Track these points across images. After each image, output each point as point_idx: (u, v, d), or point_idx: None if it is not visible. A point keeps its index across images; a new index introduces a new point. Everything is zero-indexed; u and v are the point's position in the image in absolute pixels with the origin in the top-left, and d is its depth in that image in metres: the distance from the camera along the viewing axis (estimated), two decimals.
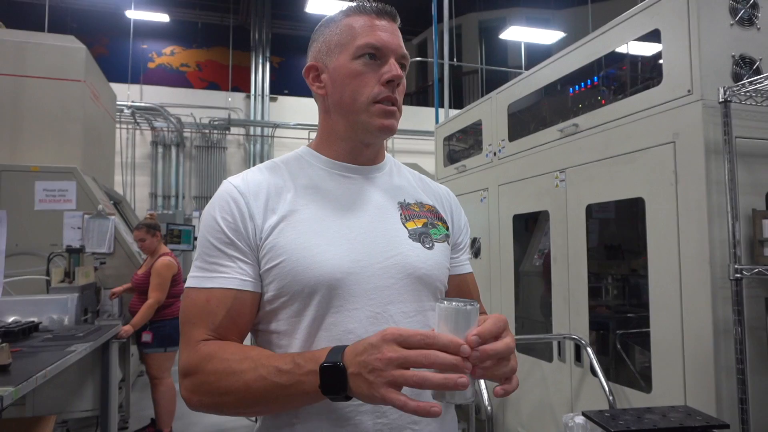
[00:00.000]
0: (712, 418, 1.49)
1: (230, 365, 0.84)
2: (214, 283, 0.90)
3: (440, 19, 5.89)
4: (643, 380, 2.23)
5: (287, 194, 0.96)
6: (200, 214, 1.01)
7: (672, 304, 1.93)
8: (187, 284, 0.93)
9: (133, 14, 9.37)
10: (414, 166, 1.32)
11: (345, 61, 0.96)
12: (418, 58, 10.47)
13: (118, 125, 7.91)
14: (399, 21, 1.01)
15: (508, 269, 3.13)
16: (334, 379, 0.75)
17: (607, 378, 2.19)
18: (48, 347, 2.75)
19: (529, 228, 3.25)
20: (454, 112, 4.36)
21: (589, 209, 2.42)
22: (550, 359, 2.68)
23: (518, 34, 9.03)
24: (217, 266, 0.91)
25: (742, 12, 1.95)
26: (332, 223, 0.94)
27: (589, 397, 2.39)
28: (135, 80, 9.82)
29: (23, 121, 4.68)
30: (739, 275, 1.71)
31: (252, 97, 10.34)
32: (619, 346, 2.57)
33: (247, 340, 0.96)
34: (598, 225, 2.62)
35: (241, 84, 10.63)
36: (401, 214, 1.01)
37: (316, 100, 1.05)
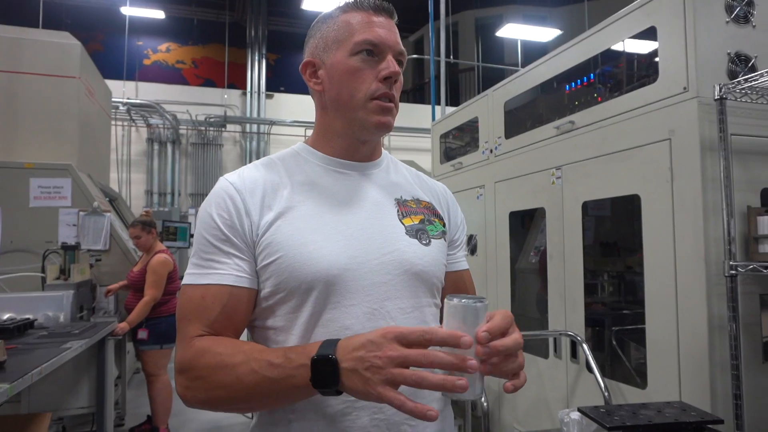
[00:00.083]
0: (706, 414, 1.50)
1: (222, 359, 0.83)
2: (209, 280, 0.90)
3: (437, 17, 5.89)
4: (638, 376, 2.24)
5: (284, 191, 0.96)
6: (196, 212, 1.01)
7: (667, 301, 1.94)
8: (184, 281, 0.93)
9: (129, 11, 9.32)
10: (410, 164, 1.32)
11: (342, 58, 0.96)
12: (415, 56, 10.47)
13: (113, 122, 7.88)
14: (396, 17, 1.01)
15: (505, 266, 3.14)
16: (326, 372, 0.74)
17: (603, 374, 2.20)
18: (43, 344, 2.75)
19: (525, 225, 3.25)
20: (450, 109, 4.37)
21: (585, 206, 2.43)
22: (546, 356, 2.68)
23: (515, 31, 9.04)
24: (213, 263, 0.91)
25: (737, 9, 1.95)
26: (329, 220, 0.94)
27: (584, 393, 2.40)
28: (130, 77, 9.78)
29: (18, 118, 4.65)
30: (734, 272, 1.72)
31: (248, 94, 10.32)
32: (614, 343, 2.58)
33: (244, 337, 0.96)
34: (594, 222, 2.63)
35: (237, 81, 10.60)
36: (398, 211, 1.01)
37: (312, 97, 1.05)
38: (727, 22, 1.94)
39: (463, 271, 1.12)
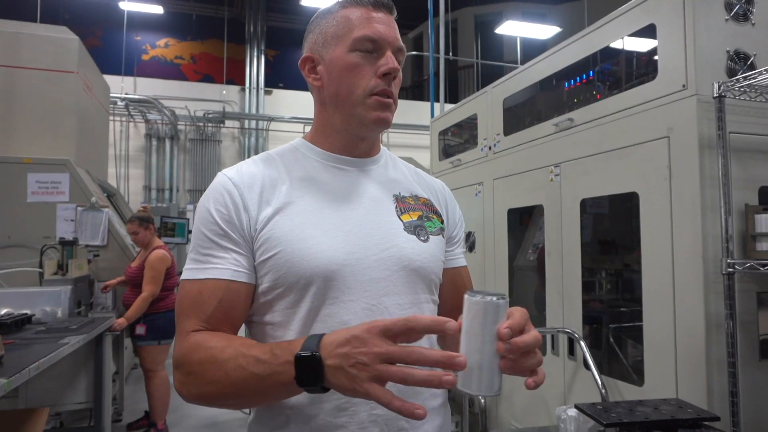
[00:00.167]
0: (703, 411, 1.51)
1: (213, 354, 0.83)
2: (207, 274, 0.90)
3: (436, 13, 5.89)
4: (635, 374, 2.25)
5: (282, 186, 0.96)
6: (194, 208, 1.00)
7: (665, 299, 1.95)
8: (182, 276, 0.93)
9: (127, 6, 9.30)
10: (409, 161, 1.31)
11: (341, 53, 0.96)
12: (414, 52, 10.45)
13: (111, 117, 7.86)
14: (396, 13, 1.01)
15: (503, 263, 3.14)
16: (310, 370, 0.72)
17: (600, 371, 2.20)
18: (41, 339, 2.75)
19: (523, 222, 3.26)
20: (449, 106, 4.36)
21: (584, 204, 2.43)
22: (543, 353, 2.69)
23: (514, 28, 9.04)
24: (211, 258, 0.91)
25: (737, 7, 1.95)
26: (328, 215, 0.94)
27: (582, 390, 2.40)
28: (129, 72, 9.76)
29: (16, 113, 4.64)
30: (731, 270, 1.72)
31: (247, 90, 10.30)
32: (612, 340, 2.59)
33: (242, 333, 0.96)
34: (593, 220, 2.63)
35: (236, 77, 10.58)
36: (396, 207, 1.01)
37: (311, 92, 1.05)
38: (727, 20, 1.94)
39: (461, 268, 1.13)
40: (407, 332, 0.70)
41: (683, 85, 1.90)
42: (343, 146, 1.02)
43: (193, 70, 10.70)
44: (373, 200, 1.00)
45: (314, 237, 0.91)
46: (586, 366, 2.26)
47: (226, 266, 0.90)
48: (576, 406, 1.52)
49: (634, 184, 2.11)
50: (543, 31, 9.10)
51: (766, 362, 1.86)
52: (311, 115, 1.08)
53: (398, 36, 0.99)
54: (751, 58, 1.95)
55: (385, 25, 0.97)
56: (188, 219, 6.59)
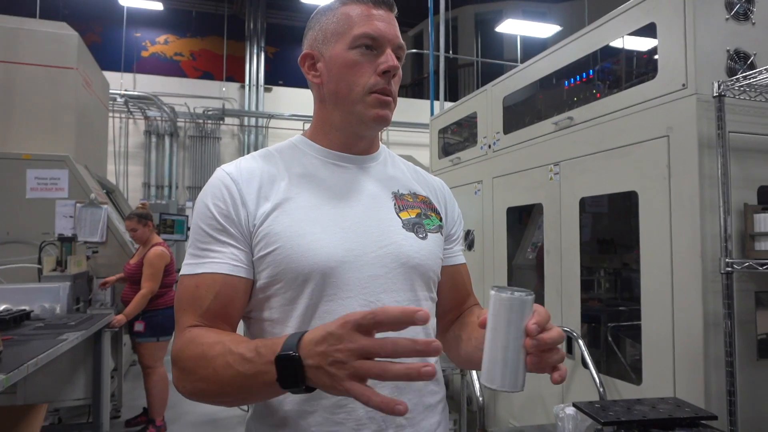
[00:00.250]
0: (700, 410, 1.51)
1: (203, 350, 0.81)
2: (204, 269, 0.90)
3: (436, 11, 5.88)
4: (633, 372, 2.25)
5: (281, 182, 0.96)
6: (194, 205, 0.99)
7: (663, 298, 1.95)
8: (181, 272, 0.93)
9: (127, 2, 9.26)
10: (409, 158, 1.30)
11: (341, 51, 0.96)
12: (414, 50, 10.43)
13: (111, 114, 7.85)
14: (396, 10, 1.01)
15: (502, 262, 3.14)
16: (290, 371, 0.70)
17: (598, 370, 2.21)
18: (39, 335, 2.75)
19: (522, 221, 3.26)
20: (449, 104, 4.36)
21: (583, 203, 2.43)
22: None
23: (514, 27, 9.02)
24: (209, 252, 0.91)
25: (737, 6, 1.95)
26: (327, 212, 0.94)
27: (580, 388, 2.41)
28: (128, 69, 9.74)
29: (15, 109, 4.63)
30: (729, 269, 1.72)
31: (246, 88, 10.28)
32: (610, 339, 2.59)
33: (240, 329, 0.96)
34: (592, 219, 2.64)
35: (236, 74, 10.56)
36: (395, 204, 1.01)
37: (311, 89, 1.04)
38: (727, 19, 1.94)
39: (460, 265, 1.13)
40: (376, 326, 0.66)
41: (683, 84, 1.90)
42: (342, 143, 1.02)
43: (193, 66, 10.68)
44: (371, 197, 1.00)
45: (313, 234, 0.91)
46: (585, 365, 2.27)
47: (224, 260, 0.90)
48: (574, 405, 1.52)
49: (634, 183, 2.11)
50: (543, 29, 9.09)
51: (764, 361, 1.86)
52: (311, 113, 1.08)
53: (398, 33, 0.99)
54: (751, 58, 1.95)
55: (385, 22, 0.97)
56: (187, 216, 6.58)
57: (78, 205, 4.44)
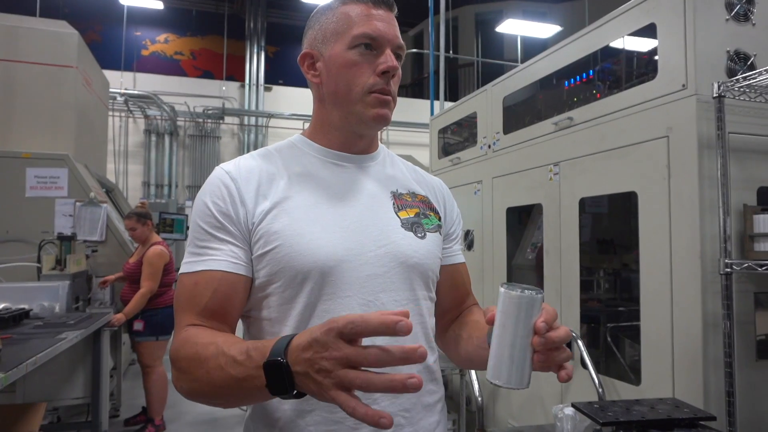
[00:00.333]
0: (699, 411, 1.51)
1: (197, 351, 0.80)
2: (203, 266, 0.89)
3: (437, 11, 5.88)
4: (632, 373, 2.25)
5: (280, 181, 0.96)
6: (193, 204, 0.99)
7: (662, 298, 1.95)
8: (180, 271, 0.93)
9: (127, 1, 9.25)
10: (408, 158, 1.30)
11: (340, 50, 0.96)
12: (414, 50, 10.43)
13: (110, 113, 7.85)
14: (396, 10, 1.01)
15: (501, 262, 3.14)
16: (279, 377, 0.68)
17: (598, 371, 2.21)
18: (38, 334, 2.74)
19: (522, 221, 3.26)
20: (449, 104, 4.36)
21: (583, 203, 2.43)
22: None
23: (515, 27, 9.02)
24: (208, 250, 0.90)
25: (737, 7, 1.95)
26: (326, 211, 0.94)
27: (579, 389, 2.41)
28: (128, 68, 9.73)
29: (14, 107, 4.63)
30: (729, 270, 1.72)
31: (246, 87, 10.27)
32: (609, 340, 2.59)
33: (239, 329, 0.96)
34: (591, 219, 2.64)
35: (236, 73, 10.55)
36: (394, 204, 1.01)
37: (310, 88, 1.04)
38: (727, 19, 1.94)
39: (460, 264, 1.13)
40: (356, 336, 0.63)
41: (683, 85, 1.90)
42: (341, 143, 1.02)
43: (193, 65, 10.67)
44: (370, 197, 1.00)
45: (312, 233, 0.91)
46: (584, 365, 2.27)
47: (223, 258, 0.89)
48: (573, 405, 1.52)
49: (633, 184, 2.11)
50: (543, 29, 9.08)
51: (763, 362, 1.86)
52: (311, 112, 1.08)
53: (398, 33, 0.99)
54: (751, 59, 1.95)
55: (384, 22, 0.97)
56: (187, 215, 6.59)
57: (77, 203, 4.43)
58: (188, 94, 9.85)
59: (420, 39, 11.30)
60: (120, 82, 9.33)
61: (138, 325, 3.79)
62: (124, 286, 3.96)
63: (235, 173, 0.95)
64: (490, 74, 8.45)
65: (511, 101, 3.11)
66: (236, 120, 10.23)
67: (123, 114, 9.47)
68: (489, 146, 3.30)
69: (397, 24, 1.00)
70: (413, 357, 0.61)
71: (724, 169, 1.75)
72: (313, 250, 0.89)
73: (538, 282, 2.74)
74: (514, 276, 3.14)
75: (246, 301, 0.94)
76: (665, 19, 2.00)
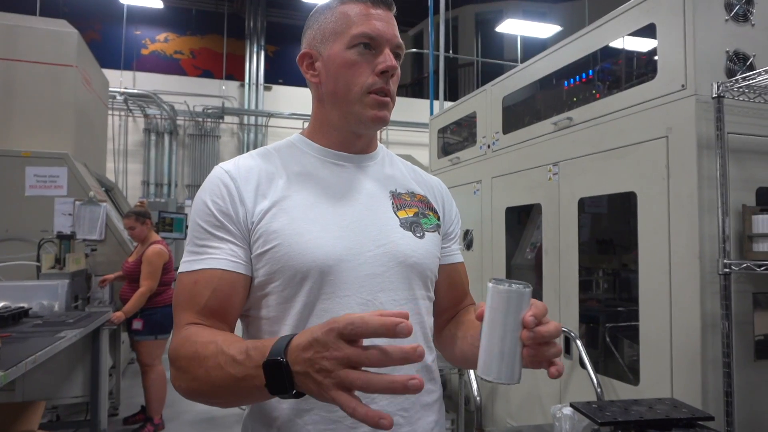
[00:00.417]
0: (697, 411, 1.51)
1: (197, 350, 0.80)
2: (202, 265, 0.89)
3: (437, 11, 5.87)
4: (631, 373, 2.26)
5: (279, 180, 0.96)
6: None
7: (661, 298, 1.95)
8: (179, 270, 0.93)
9: (127, 0, 9.26)
10: (408, 158, 1.31)
11: (339, 50, 0.96)
12: (414, 50, 10.43)
13: (110, 112, 7.85)
14: (395, 9, 1.01)
15: (500, 262, 3.14)
16: (278, 376, 0.68)
17: (596, 370, 2.21)
18: (38, 333, 2.74)
19: (521, 221, 3.26)
20: (449, 104, 4.36)
21: (582, 203, 2.43)
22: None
23: (515, 27, 9.02)
24: (208, 248, 0.90)
25: (737, 8, 1.95)
26: (325, 210, 0.94)
27: (577, 389, 2.41)
28: (128, 67, 9.73)
29: (14, 106, 4.63)
30: (727, 270, 1.73)
31: (246, 86, 10.27)
32: (608, 339, 2.59)
33: (238, 328, 0.96)
34: (591, 219, 2.64)
35: (236, 72, 10.55)
36: (393, 203, 1.01)
37: (309, 88, 1.04)
38: (727, 20, 1.94)
39: (458, 264, 1.13)
40: (356, 337, 0.64)
41: (682, 85, 1.90)
42: (340, 142, 1.02)
43: (193, 65, 10.66)
44: (369, 196, 1.00)
45: (311, 232, 0.91)
46: (582, 365, 2.27)
47: (222, 256, 0.90)
48: (571, 405, 1.52)
49: (632, 184, 2.11)
50: (543, 29, 9.08)
51: (761, 362, 1.86)
52: (310, 112, 1.08)
53: (397, 33, 0.99)
54: (751, 59, 1.95)
55: (383, 22, 0.96)
56: (186, 214, 6.59)
57: (77, 202, 4.43)
58: (188, 93, 9.84)
59: (420, 39, 11.30)
60: (119, 81, 9.32)
61: (137, 324, 3.79)
62: (124, 285, 3.96)
63: (235, 172, 0.95)
64: (490, 74, 8.45)
65: (511, 101, 3.12)
66: (236, 119, 10.22)
67: (122, 113, 9.46)
68: (488, 146, 3.30)
69: (395, 23, 1.00)
70: (412, 357, 0.62)
71: (723, 170, 1.75)
72: (312, 249, 0.89)
73: (537, 282, 2.74)
74: (513, 276, 3.14)
75: (245, 300, 0.94)
76: (665, 20, 2.00)
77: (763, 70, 1.68)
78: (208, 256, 0.90)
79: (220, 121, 10.06)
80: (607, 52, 2.35)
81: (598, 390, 2.15)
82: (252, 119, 10.20)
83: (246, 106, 10.19)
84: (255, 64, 10.38)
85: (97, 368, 3.38)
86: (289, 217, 0.91)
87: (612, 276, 2.74)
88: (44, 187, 4.42)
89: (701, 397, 1.77)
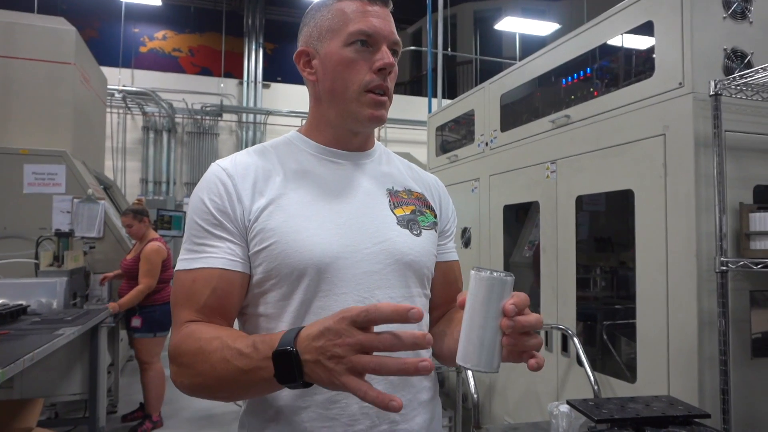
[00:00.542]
0: (693, 408, 1.52)
1: (201, 345, 0.82)
2: (200, 264, 0.90)
3: (435, 9, 5.87)
4: (628, 371, 2.26)
5: (276, 178, 0.96)
6: None
7: (658, 296, 1.95)
8: (176, 267, 0.93)
9: None
10: (406, 156, 1.30)
11: (336, 48, 0.95)
12: (413, 48, 10.42)
13: (108, 110, 7.83)
14: (391, 5, 1.00)
15: (498, 260, 3.14)
16: (288, 366, 0.70)
17: (593, 368, 2.21)
18: (36, 330, 2.74)
19: (519, 219, 3.26)
20: (447, 102, 4.36)
21: (580, 201, 2.43)
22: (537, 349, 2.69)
23: (513, 24, 9.00)
24: (205, 247, 0.91)
25: (734, 5, 1.95)
26: (322, 208, 0.94)
27: (574, 386, 2.41)
28: (126, 64, 9.70)
29: (12, 104, 4.62)
30: (724, 268, 1.73)
31: (245, 84, 10.25)
32: (605, 337, 2.60)
33: (236, 326, 0.96)
34: (588, 217, 2.64)
35: (234, 70, 10.53)
36: (390, 201, 1.01)
37: (306, 86, 1.04)
38: (724, 17, 1.94)
39: (453, 262, 1.13)
40: (369, 324, 0.67)
41: (680, 83, 1.90)
42: (337, 140, 1.02)
43: (191, 62, 10.65)
44: (366, 194, 1.00)
45: (308, 229, 0.91)
46: (580, 363, 2.27)
47: (220, 255, 0.90)
48: (568, 402, 1.52)
49: (630, 182, 2.12)
50: (542, 27, 9.08)
51: (758, 360, 1.87)
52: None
53: (394, 30, 0.98)
54: (748, 57, 1.95)
55: (380, 18, 0.96)
56: (185, 212, 6.58)
57: (75, 200, 4.43)
58: (186, 91, 9.82)
59: (418, 36, 11.29)
60: (118, 78, 9.30)
61: (136, 322, 3.80)
62: (122, 283, 3.96)
63: (232, 170, 0.95)
64: (488, 72, 8.44)
65: (509, 99, 3.12)
66: (234, 117, 10.21)
67: (121, 111, 9.44)
68: (486, 144, 3.30)
69: (392, 20, 0.99)
70: (422, 343, 0.65)
71: (720, 167, 1.76)
72: (309, 247, 0.89)
73: (535, 280, 2.74)
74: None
75: (244, 298, 0.94)
76: (662, 17, 2.00)
77: (761, 68, 1.68)
78: (206, 255, 0.90)
79: (219, 118, 10.04)
80: (605, 50, 2.35)
81: (595, 387, 2.16)
82: (250, 117, 10.18)
83: (244, 104, 10.18)
84: (253, 61, 10.36)
85: (95, 365, 3.38)
86: (286, 215, 0.91)
87: (609, 274, 2.75)
88: (42, 184, 4.42)
89: (698, 395, 1.78)
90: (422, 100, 8.42)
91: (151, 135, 9.58)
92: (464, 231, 3.50)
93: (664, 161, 1.95)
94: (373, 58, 0.95)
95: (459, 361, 0.75)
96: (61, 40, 4.82)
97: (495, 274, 0.73)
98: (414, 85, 11.71)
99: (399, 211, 1.01)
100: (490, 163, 3.24)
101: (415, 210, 1.04)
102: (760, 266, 1.70)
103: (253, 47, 10.42)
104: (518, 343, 0.74)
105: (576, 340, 2.31)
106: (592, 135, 2.34)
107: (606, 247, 2.75)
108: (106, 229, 4.52)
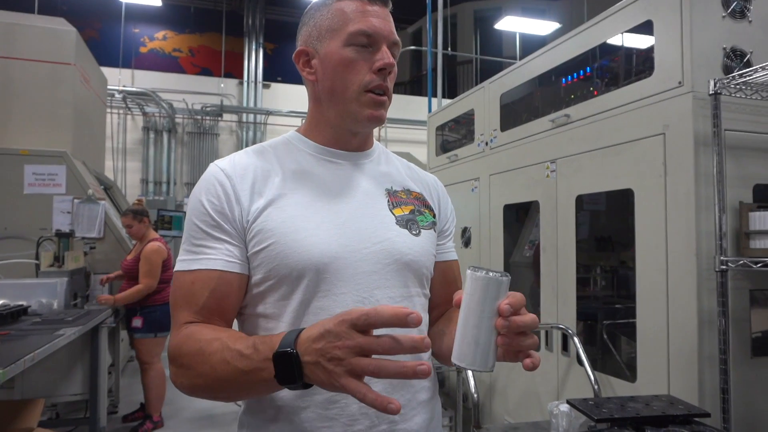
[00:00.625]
0: (693, 407, 1.52)
1: (201, 346, 0.82)
2: (199, 265, 0.90)
3: (435, 8, 5.87)
4: (628, 370, 2.26)
5: (275, 178, 0.96)
6: None
7: (658, 295, 1.95)
8: (175, 268, 0.93)
9: None
10: (406, 156, 1.32)
11: (336, 48, 0.95)
12: (413, 47, 10.42)
13: (109, 110, 7.84)
14: (391, 5, 1.00)
15: (498, 259, 3.14)
16: (288, 367, 0.71)
17: (594, 367, 2.21)
18: (37, 331, 2.75)
19: (519, 218, 3.26)
20: (447, 101, 4.36)
21: (580, 200, 2.43)
22: (537, 348, 2.70)
23: (513, 24, 9.00)
24: (204, 248, 0.91)
25: (734, 4, 1.95)
26: (320, 208, 0.94)
27: (575, 385, 2.41)
28: (126, 65, 9.71)
29: (12, 104, 4.62)
30: (724, 267, 1.73)
31: (245, 84, 10.25)
32: (605, 337, 2.60)
33: (235, 326, 0.97)
34: (588, 216, 2.64)
35: (234, 70, 10.53)
36: (388, 201, 1.01)
37: (306, 86, 1.04)
38: (724, 16, 1.94)
39: (452, 262, 1.13)
40: (369, 327, 0.67)
41: (679, 82, 1.90)
42: (336, 140, 1.02)
43: (191, 63, 10.65)
44: (365, 194, 1.00)
45: (307, 230, 0.91)
46: (580, 362, 2.27)
47: (219, 257, 0.90)
48: (568, 402, 1.53)
49: (630, 181, 2.12)
50: (542, 26, 9.07)
51: (758, 359, 1.87)
52: None
53: (393, 30, 0.98)
54: (748, 56, 1.95)
55: (380, 18, 0.96)
56: (185, 212, 6.58)
57: (75, 200, 4.43)
58: (186, 91, 9.82)
59: (418, 36, 11.29)
60: (118, 79, 9.30)
61: (136, 322, 3.80)
62: (123, 283, 3.97)
63: (230, 170, 0.95)
64: (488, 71, 8.43)
65: (509, 98, 3.12)
66: (234, 117, 10.21)
67: (121, 111, 9.44)
68: (486, 143, 3.30)
69: (392, 20, 0.99)
70: (420, 346, 0.66)
71: (720, 167, 1.76)
72: (307, 247, 0.89)
73: (536, 279, 2.74)
74: (511, 273, 3.14)
75: (242, 299, 0.94)
76: (662, 16, 2.00)
77: (760, 67, 1.68)
78: (205, 256, 0.90)
79: (219, 119, 10.05)
80: (605, 49, 2.35)
81: (595, 387, 2.16)
82: (251, 117, 10.18)
83: (245, 104, 10.18)
84: (254, 61, 10.36)
85: (96, 366, 3.38)
86: (285, 215, 0.91)
87: (610, 273, 2.75)
88: (43, 185, 4.42)
89: (698, 394, 1.78)
90: (422, 100, 8.42)
91: (152, 135, 9.59)
92: (464, 231, 3.50)
93: (663, 160, 1.95)
94: (372, 58, 0.95)
95: (454, 359, 0.75)
96: (62, 41, 4.82)
97: (491, 274, 0.73)
98: (414, 85, 11.71)
99: (398, 211, 1.01)
100: (490, 163, 3.24)
101: (414, 210, 1.04)
102: (759, 265, 1.70)
103: (253, 47, 10.42)
104: (514, 343, 0.74)
105: (576, 339, 2.31)
106: (592, 134, 2.34)
107: (606, 246, 2.75)
108: (106, 229, 4.53)
